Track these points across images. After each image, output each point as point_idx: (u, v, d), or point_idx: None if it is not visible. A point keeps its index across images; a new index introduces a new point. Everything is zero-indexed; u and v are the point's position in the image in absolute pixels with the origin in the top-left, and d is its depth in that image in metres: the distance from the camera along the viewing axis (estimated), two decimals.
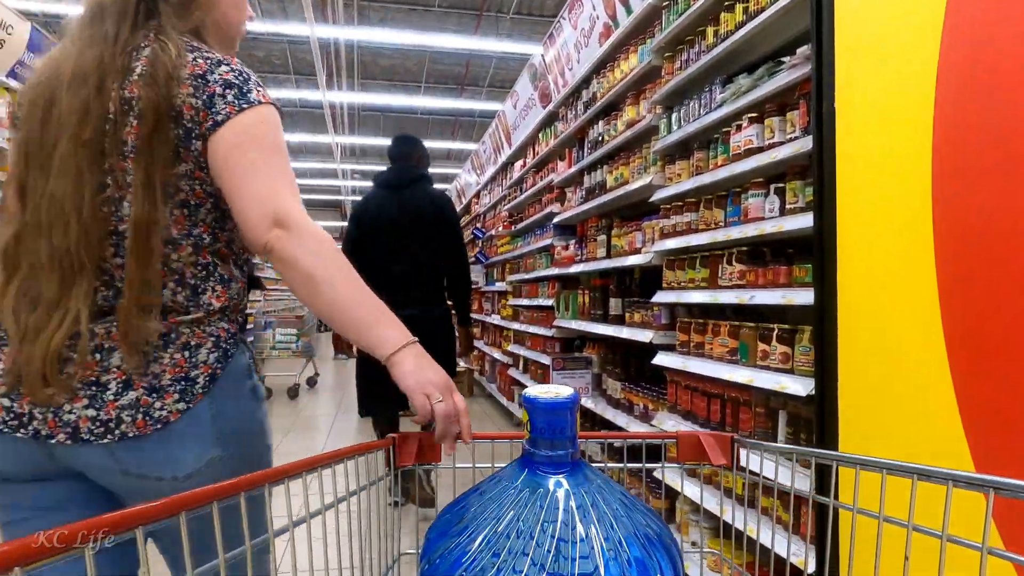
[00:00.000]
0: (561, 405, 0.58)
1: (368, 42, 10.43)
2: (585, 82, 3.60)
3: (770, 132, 1.94)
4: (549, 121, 4.50)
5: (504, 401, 5.68)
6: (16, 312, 0.88)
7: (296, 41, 10.34)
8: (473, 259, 8.22)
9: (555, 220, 4.15)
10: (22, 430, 0.87)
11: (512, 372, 5.35)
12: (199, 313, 0.95)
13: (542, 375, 4.38)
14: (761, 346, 1.92)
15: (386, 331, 0.92)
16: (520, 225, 5.40)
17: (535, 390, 0.58)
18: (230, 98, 0.92)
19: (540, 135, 4.77)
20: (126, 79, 0.89)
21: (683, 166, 2.45)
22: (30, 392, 0.86)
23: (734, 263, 2.09)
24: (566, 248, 3.88)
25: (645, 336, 2.60)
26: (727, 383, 2.06)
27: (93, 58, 0.91)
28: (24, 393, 0.86)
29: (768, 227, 1.88)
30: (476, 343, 7.45)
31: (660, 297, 2.51)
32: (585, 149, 3.54)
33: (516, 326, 5.44)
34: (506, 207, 6.10)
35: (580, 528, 0.53)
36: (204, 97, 0.91)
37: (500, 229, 6.14)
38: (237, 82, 0.94)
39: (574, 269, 3.64)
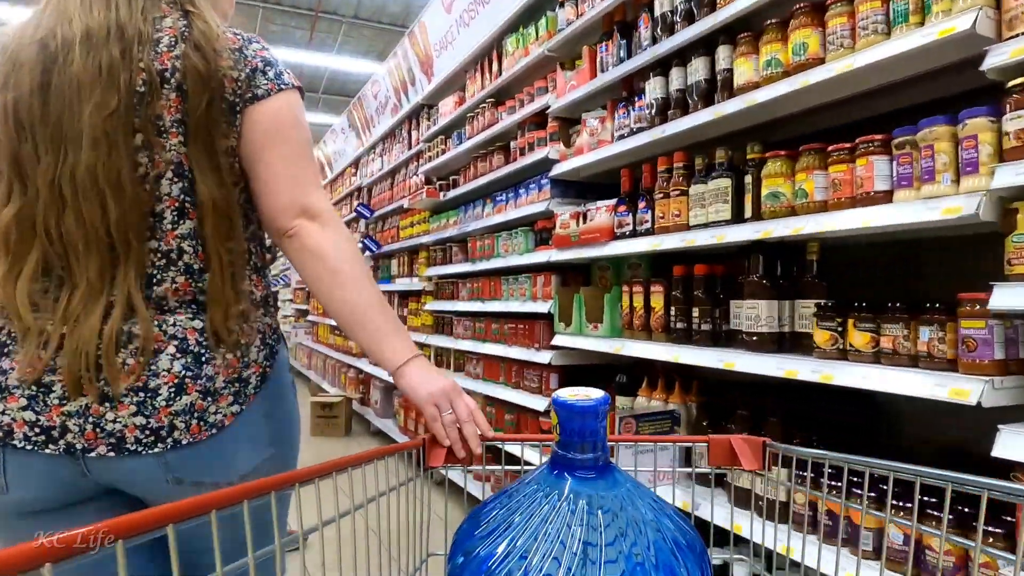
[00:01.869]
0: (592, 408, 0.60)
1: None
2: None
3: None
4: (530, 15, 3.16)
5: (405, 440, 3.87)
6: (33, 304, 0.87)
7: None
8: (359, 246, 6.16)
9: (556, 172, 2.99)
10: (51, 446, 0.86)
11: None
12: (244, 304, 0.98)
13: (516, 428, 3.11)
14: None
15: (398, 342, 1.00)
16: (458, 191, 4.13)
17: (564, 393, 0.62)
18: (271, 75, 0.99)
19: (507, 41, 3.58)
20: (154, 49, 0.92)
21: None
22: (74, 391, 0.85)
23: None
24: (581, 217, 2.73)
25: (925, 385, 1.44)
26: None
27: (107, 20, 0.91)
28: (69, 394, 0.85)
29: None
30: (357, 362, 6.28)
31: (1004, 298, 1.32)
32: (644, 34, 2.44)
33: (445, 342, 4.28)
34: (423, 168, 4.37)
35: (608, 532, 0.56)
36: (247, 71, 0.97)
37: (408, 202, 4.22)
38: (272, 61, 1.01)
39: (614, 248, 2.53)
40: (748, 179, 1.93)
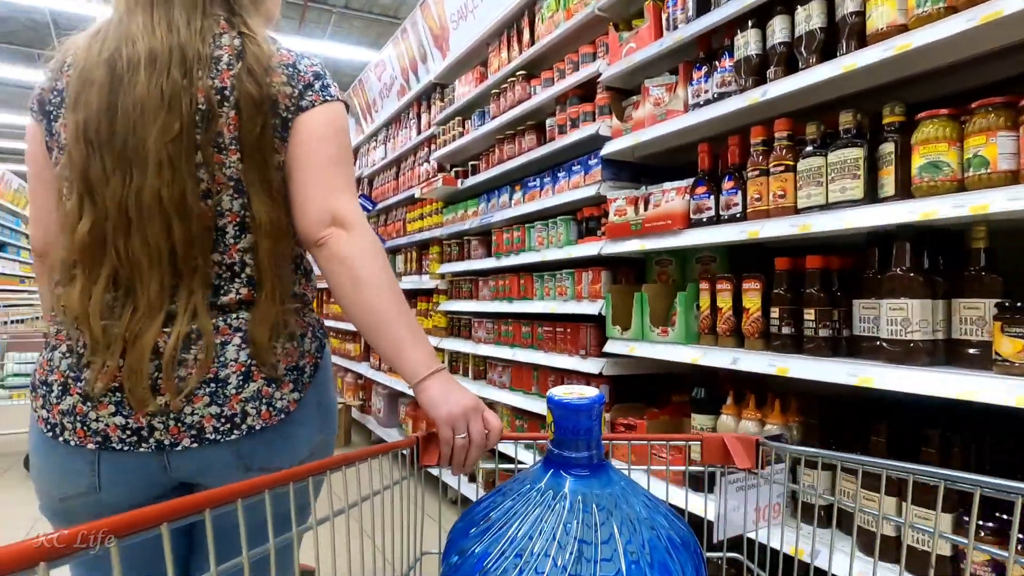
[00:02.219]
0: (586, 406, 0.60)
1: None
2: None
3: None
4: None
5: (433, 471, 3.63)
6: (103, 316, 0.93)
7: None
8: None
9: (609, 150, 2.58)
10: (143, 445, 0.94)
11: None
12: (297, 303, 1.06)
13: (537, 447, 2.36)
14: None
15: (420, 354, 1.00)
16: (479, 177, 3.75)
17: (559, 391, 0.62)
18: (317, 87, 1.03)
19: (543, 5, 3.18)
20: (214, 68, 0.97)
21: None
22: (140, 405, 0.92)
23: None
24: (643, 202, 2.34)
25: None
26: None
27: (169, 42, 0.95)
28: (134, 408, 0.92)
29: None
30: (357, 367, 5.84)
31: None
32: None
33: (461, 346, 3.88)
34: (436, 154, 4.24)
35: (603, 530, 0.56)
36: (300, 87, 1.02)
37: (420, 191, 3.81)
38: (322, 74, 1.05)
39: (690, 238, 2.14)
40: (888, 148, 1.56)
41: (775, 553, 0.88)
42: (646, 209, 2.34)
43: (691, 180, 2.13)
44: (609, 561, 0.53)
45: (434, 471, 0.97)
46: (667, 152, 2.53)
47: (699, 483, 1.95)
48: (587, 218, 2.68)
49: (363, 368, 5.74)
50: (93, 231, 0.92)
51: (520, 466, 0.83)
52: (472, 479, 3.53)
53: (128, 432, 0.92)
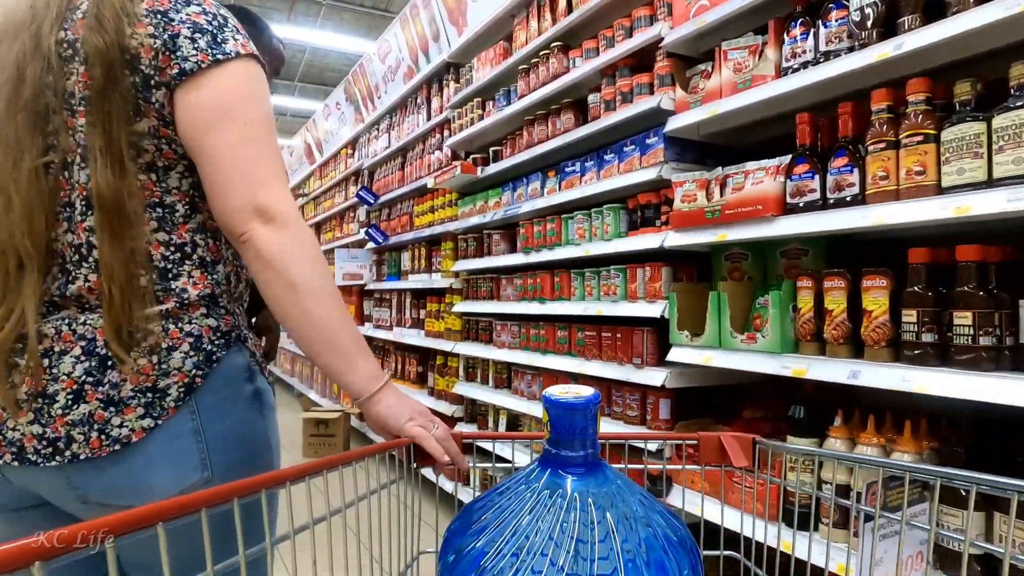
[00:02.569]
0: (582, 405, 0.60)
1: None
2: None
3: None
4: None
5: (428, 473, 3.13)
6: None
7: None
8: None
9: (674, 126, 2.23)
10: None
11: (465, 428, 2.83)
12: (170, 303, 0.88)
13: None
14: None
15: (370, 366, 0.92)
16: (503, 164, 3.44)
17: (555, 390, 0.62)
18: (202, 44, 0.85)
19: None
20: (70, 19, 0.85)
21: None
22: (14, 419, 0.84)
23: None
24: (719, 186, 2.03)
25: None
26: None
27: (26, 6, 0.85)
28: (15, 424, 0.84)
29: None
30: None
31: None
32: None
33: (479, 351, 3.53)
34: (450, 140, 3.94)
35: (599, 529, 0.56)
36: (165, 37, 0.84)
37: (434, 180, 3.48)
38: (210, 27, 0.86)
39: (787, 226, 1.78)
40: None
41: (772, 551, 0.88)
42: (722, 194, 2.01)
43: (785, 158, 1.80)
44: (606, 559, 0.54)
45: (429, 470, 0.95)
46: (737, 130, 2.20)
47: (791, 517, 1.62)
48: (642, 206, 2.33)
49: None
50: None
51: (516, 465, 0.85)
52: (466, 482, 3.19)
53: None
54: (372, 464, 0.80)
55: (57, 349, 0.83)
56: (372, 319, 5.47)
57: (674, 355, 2.13)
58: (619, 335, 2.41)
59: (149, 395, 0.84)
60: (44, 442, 0.82)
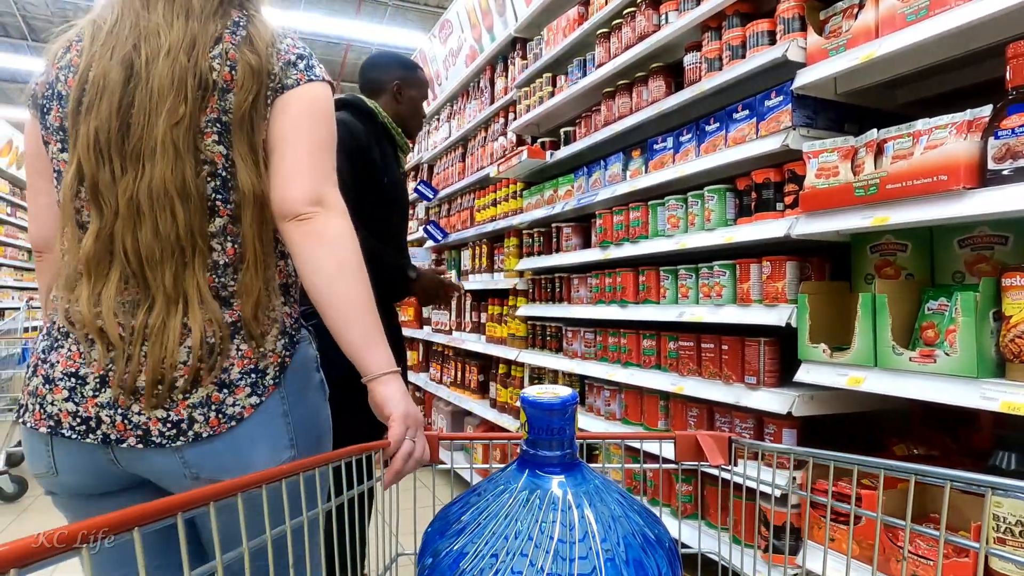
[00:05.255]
0: (559, 405, 0.61)
1: None
2: None
3: None
4: None
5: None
6: (121, 315, 0.93)
7: None
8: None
9: (805, 81, 1.75)
10: (90, 435, 0.92)
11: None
12: (272, 295, 1.02)
13: None
14: None
15: (386, 352, 1.00)
16: (576, 147, 3.04)
17: (532, 391, 0.63)
18: (302, 67, 1.02)
19: None
20: (218, 44, 0.97)
21: None
22: (147, 406, 0.91)
23: None
24: (873, 154, 1.55)
25: None
26: None
27: (183, 32, 0.96)
28: (145, 400, 0.91)
29: None
30: (415, 378, 5.13)
31: None
32: None
33: (547, 360, 3.11)
34: (514, 124, 3.76)
35: (578, 528, 0.57)
36: (280, 64, 1.01)
37: (498, 169, 3.14)
38: (305, 55, 1.05)
39: (984, 203, 1.25)
40: None
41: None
42: (877, 164, 1.53)
43: (981, 110, 1.31)
44: (585, 559, 0.54)
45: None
46: (886, 85, 1.72)
47: None
48: (758, 185, 1.86)
49: (421, 380, 5.05)
50: (98, 236, 0.93)
51: (494, 465, 0.86)
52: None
53: (78, 420, 0.92)
54: (352, 464, 0.83)
55: (171, 334, 0.91)
56: (430, 322, 5.16)
57: (804, 374, 1.65)
58: (725, 347, 1.94)
59: (253, 376, 0.96)
60: (168, 424, 0.92)
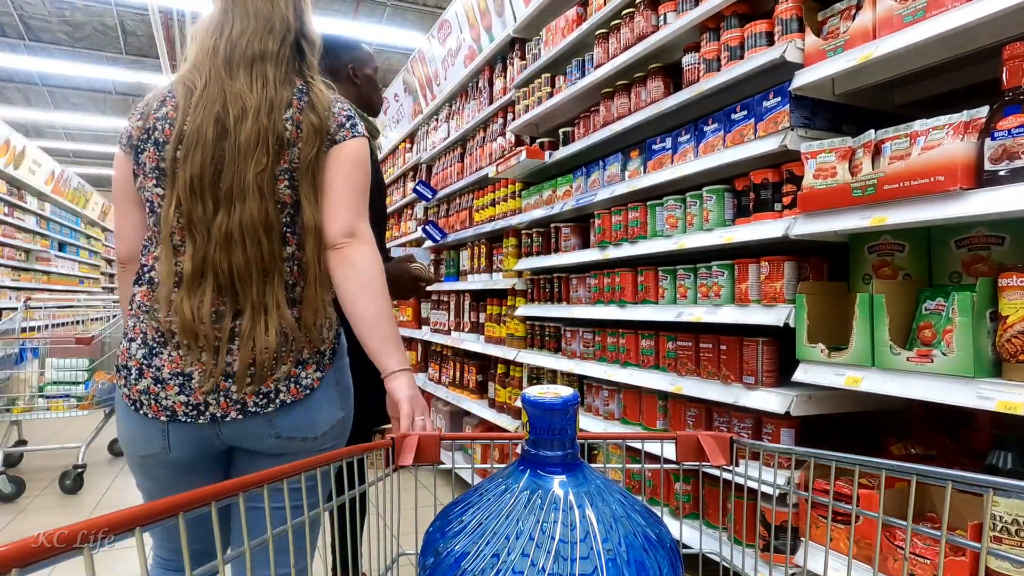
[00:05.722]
0: (561, 405, 0.62)
1: None
2: None
3: None
4: None
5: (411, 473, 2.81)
6: (214, 324, 1.19)
7: (128, 6, 9.12)
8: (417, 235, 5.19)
9: (803, 82, 1.76)
10: (201, 417, 1.20)
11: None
12: (327, 305, 1.31)
13: None
14: None
15: (401, 354, 1.25)
16: (575, 147, 3.07)
17: (533, 391, 0.64)
18: (348, 126, 1.28)
19: None
20: (288, 109, 1.23)
21: None
22: (241, 388, 1.19)
23: None
24: (870, 155, 1.56)
25: None
26: None
27: (263, 96, 1.21)
28: (239, 381, 1.18)
29: None
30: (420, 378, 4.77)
31: None
32: None
33: (546, 360, 3.12)
34: (513, 124, 3.75)
35: (579, 529, 0.57)
36: (334, 124, 1.27)
37: (497, 169, 3.15)
38: (352, 116, 1.30)
39: (979, 204, 1.29)
40: None
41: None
42: (875, 165, 1.54)
43: (978, 111, 1.32)
44: (587, 559, 0.55)
45: (411, 471, 0.98)
46: (883, 86, 1.73)
47: None
48: (756, 186, 1.86)
49: (420, 380, 5.04)
50: (195, 258, 1.18)
51: (496, 466, 0.87)
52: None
53: (190, 408, 1.19)
54: (355, 463, 0.87)
55: (259, 332, 1.18)
56: (429, 322, 5.16)
57: (802, 374, 1.66)
58: (724, 347, 1.95)
59: (317, 356, 1.25)
60: (260, 396, 1.20)
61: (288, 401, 1.20)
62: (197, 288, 1.17)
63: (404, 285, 2.10)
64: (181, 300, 1.16)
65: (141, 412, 1.20)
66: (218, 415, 1.18)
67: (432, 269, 5.16)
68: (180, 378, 1.17)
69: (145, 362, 1.19)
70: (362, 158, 1.27)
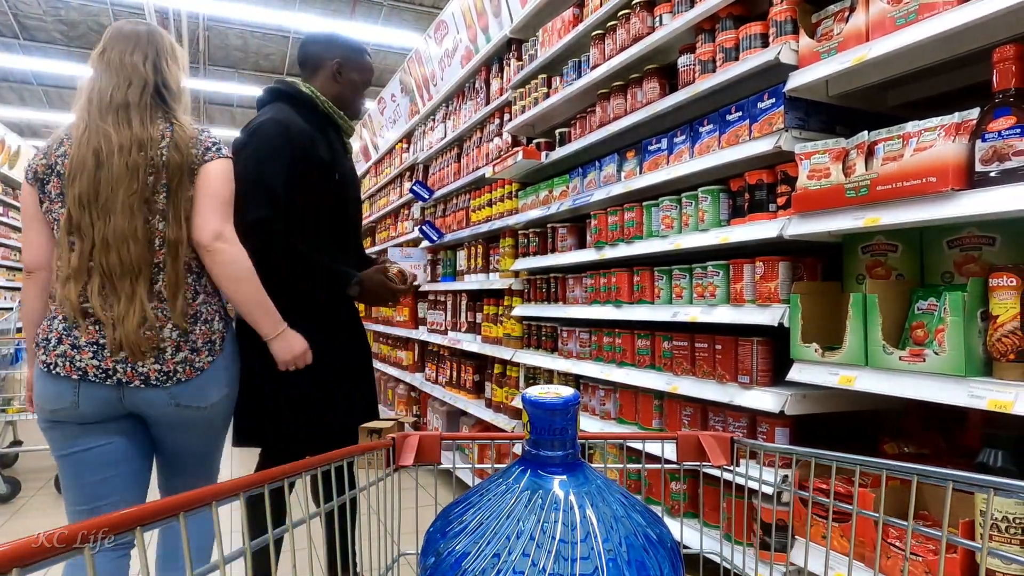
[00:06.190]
0: (562, 405, 0.62)
1: (217, 18, 10.22)
2: None
3: None
4: None
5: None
6: (102, 306, 1.52)
7: (124, 6, 9.47)
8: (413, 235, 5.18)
9: (797, 83, 1.77)
10: (109, 380, 1.52)
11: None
12: (202, 294, 1.65)
13: None
14: None
15: (269, 321, 1.75)
16: (572, 147, 3.07)
17: (534, 391, 0.64)
18: (214, 149, 1.66)
19: None
20: (156, 147, 1.58)
21: None
22: (134, 355, 1.51)
23: None
24: (862, 156, 1.57)
25: None
26: None
27: (131, 135, 1.57)
28: (129, 357, 1.52)
29: None
30: (410, 378, 5.22)
31: None
32: None
33: (543, 360, 3.12)
34: (510, 125, 3.70)
35: (580, 529, 0.58)
36: (201, 150, 1.64)
37: (494, 169, 3.13)
38: (217, 143, 1.68)
39: (972, 204, 1.30)
40: None
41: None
42: (868, 166, 1.55)
43: (970, 112, 1.33)
44: (587, 559, 0.55)
45: (411, 471, 0.98)
46: (876, 88, 1.74)
47: None
48: (751, 187, 1.88)
49: (417, 380, 5.06)
50: (82, 254, 1.52)
51: (497, 466, 0.88)
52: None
53: (100, 371, 1.51)
54: (355, 463, 0.88)
55: (158, 324, 1.54)
56: (426, 322, 5.17)
57: (797, 374, 1.68)
58: (719, 346, 1.96)
59: (209, 344, 1.62)
60: (161, 374, 1.54)
61: (183, 380, 1.56)
62: (82, 277, 1.50)
63: (377, 295, 2.07)
64: (68, 286, 1.50)
65: (54, 372, 1.50)
66: (123, 380, 1.51)
67: (430, 269, 5.17)
68: (95, 347, 1.50)
69: (64, 333, 1.51)
70: (225, 175, 1.64)
